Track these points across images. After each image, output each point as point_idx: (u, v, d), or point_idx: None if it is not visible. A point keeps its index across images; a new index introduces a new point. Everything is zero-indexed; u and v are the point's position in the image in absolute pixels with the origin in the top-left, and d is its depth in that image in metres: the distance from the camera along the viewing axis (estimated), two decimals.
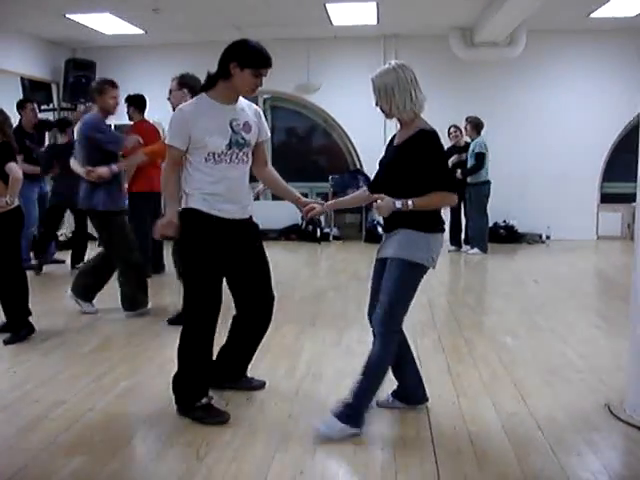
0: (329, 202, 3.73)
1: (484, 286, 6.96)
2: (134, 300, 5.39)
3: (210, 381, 3.41)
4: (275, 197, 11.40)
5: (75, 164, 5.42)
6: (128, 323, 5.19)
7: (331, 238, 10.09)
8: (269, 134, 3.55)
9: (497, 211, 9.65)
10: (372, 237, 9.94)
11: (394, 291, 3.09)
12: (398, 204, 3.03)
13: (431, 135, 3.05)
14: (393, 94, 3.11)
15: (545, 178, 9.91)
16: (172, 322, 4.87)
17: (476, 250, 8.68)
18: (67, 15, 8.29)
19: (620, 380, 3.60)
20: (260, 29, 9.28)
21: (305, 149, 11.49)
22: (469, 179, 8.60)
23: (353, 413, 3.06)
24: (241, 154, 3.29)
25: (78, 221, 7.73)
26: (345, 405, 3.08)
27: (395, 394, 3.41)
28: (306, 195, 10.12)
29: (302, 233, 10.18)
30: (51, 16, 8.33)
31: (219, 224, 3.26)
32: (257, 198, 4.67)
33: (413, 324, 5.14)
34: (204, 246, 3.25)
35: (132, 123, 6.68)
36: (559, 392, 3.65)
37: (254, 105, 3.47)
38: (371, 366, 3.09)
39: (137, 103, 6.62)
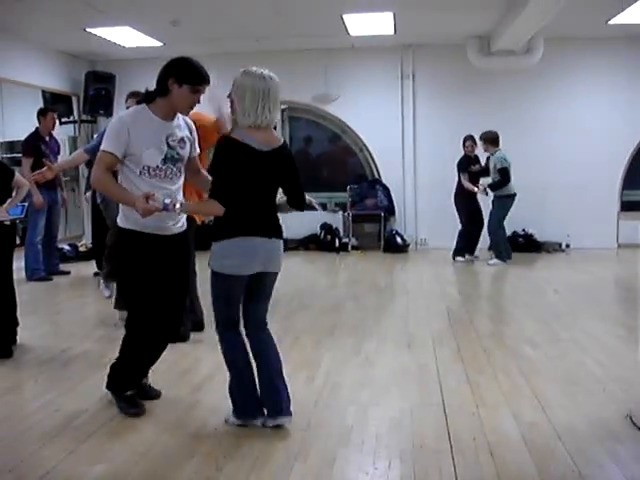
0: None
1: (503, 295, 6.92)
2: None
3: (141, 377, 3.65)
4: None
5: None
6: None
7: (350, 248, 10.07)
8: (198, 150, 3.57)
9: (516, 220, 9.58)
10: (391, 247, 9.94)
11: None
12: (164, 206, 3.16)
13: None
14: (244, 99, 3.07)
15: (564, 186, 9.83)
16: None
17: (496, 260, 8.61)
18: (87, 29, 8.40)
19: None
20: (278, 40, 9.40)
21: (323, 159, 11.50)
22: (495, 192, 8.56)
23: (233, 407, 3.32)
24: (175, 169, 3.39)
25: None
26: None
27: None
28: (325, 205, 10.17)
29: (321, 243, 10.18)
30: (71, 30, 8.44)
31: (153, 241, 3.35)
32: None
33: (432, 334, 5.13)
34: (140, 263, 3.38)
35: None
36: (580, 402, 3.61)
37: (189, 120, 3.52)
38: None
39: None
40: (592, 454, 2.96)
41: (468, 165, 8.75)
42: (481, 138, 8.65)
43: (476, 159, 8.92)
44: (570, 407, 3.55)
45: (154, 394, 3.74)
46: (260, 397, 3.31)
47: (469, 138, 8.84)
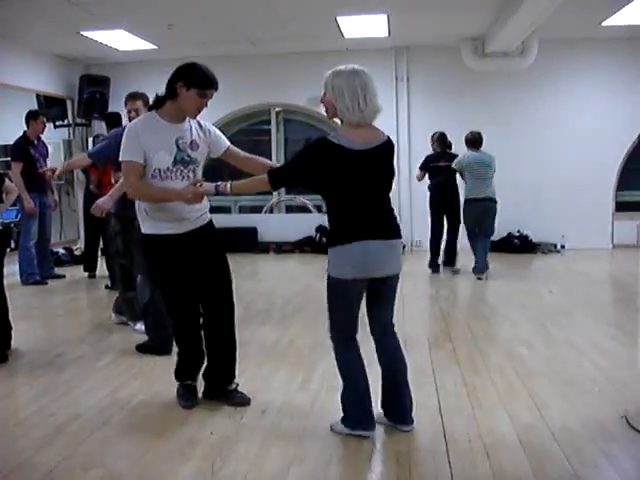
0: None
1: (499, 297, 6.92)
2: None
3: (197, 369, 3.75)
4: (289, 209, 11.47)
5: None
6: (143, 337, 5.20)
7: None
8: (227, 142, 3.67)
9: (511, 221, 9.61)
10: None
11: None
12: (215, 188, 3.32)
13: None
14: (343, 96, 3.06)
15: (559, 187, 9.86)
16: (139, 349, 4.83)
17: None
18: (81, 32, 8.39)
19: (637, 391, 3.57)
20: (272, 43, 9.40)
21: None
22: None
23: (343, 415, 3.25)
24: (186, 171, 3.45)
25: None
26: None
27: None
28: (320, 207, 10.18)
29: (316, 245, 10.18)
30: (66, 34, 8.43)
31: (173, 240, 3.47)
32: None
33: (427, 336, 5.14)
34: (166, 264, 3.53)
35: None
36: (575, 403, 3.62)
37: (204, 123, 3.59)
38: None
39: (111, 121, 6.82)
40: (588, 455, 2.96)
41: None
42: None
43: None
44: (566, 408, 3.55)
45: (239, 400, 3.67)
46: (382, 404, 3.30)
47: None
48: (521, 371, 4.19)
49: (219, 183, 3.28)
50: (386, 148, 3.14)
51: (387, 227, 3.15)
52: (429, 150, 8.34)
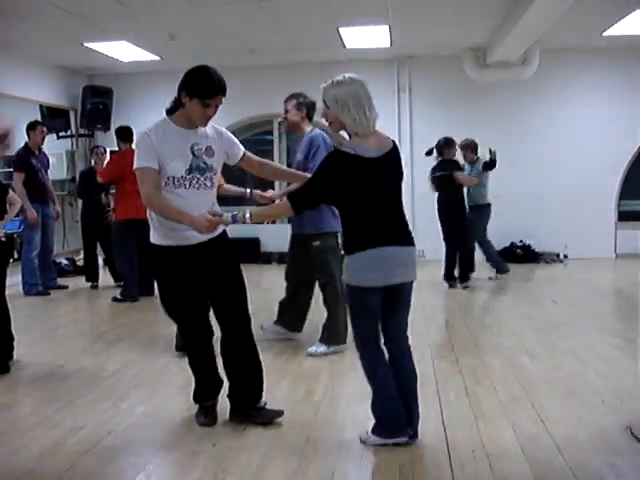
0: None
1: (502, 307, 6.91)
2: None
3: (216, 390, 3.62)
4: (292, 219, 11.44)
5: None
6: (145, 348, 5.20)
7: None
8: (242, 149, 3.53)
9: (514, 231, 9.61)
10: None
11: None
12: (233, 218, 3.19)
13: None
14: (349, 107, 3.04)
15: (561, 197, 9.86)
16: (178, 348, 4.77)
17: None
18: (84, 44, 8.42)
19: None
20: (274, 53, 9.43)
21: None
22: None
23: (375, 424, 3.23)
24: (202, 179, 3.29)
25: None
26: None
27: None
28: None
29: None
30: (69, 45, 8.47)
31: (184, 252, 3.32)
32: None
33: (430, 346, 5.12)
34: (174, 277, 3.39)
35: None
36: (579, 414, 3.60)
37: (220, 128, 3.46)
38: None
39: (122, 135, 7.32)
40: (592, 466, 2.95)
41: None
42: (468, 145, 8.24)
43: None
44: (569, 419, 3.54)
45: (268, 417, 3.51)
46: None
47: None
48: (524, 381, 4.18)
49: (236, 213, 3.15)
50: (395, 152, 3.17)
51: (403, 234, 3.17)
52: (431, 159, 8.29)
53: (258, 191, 4.53)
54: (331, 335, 4.95)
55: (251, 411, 3.53)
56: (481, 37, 8.81)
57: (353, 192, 3.05)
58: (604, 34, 8.66)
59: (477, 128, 9.16)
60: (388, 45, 9.10)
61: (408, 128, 10.20)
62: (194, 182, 3.27)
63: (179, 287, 3.40)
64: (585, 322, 5.94)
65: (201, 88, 3.17)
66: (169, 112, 3.30)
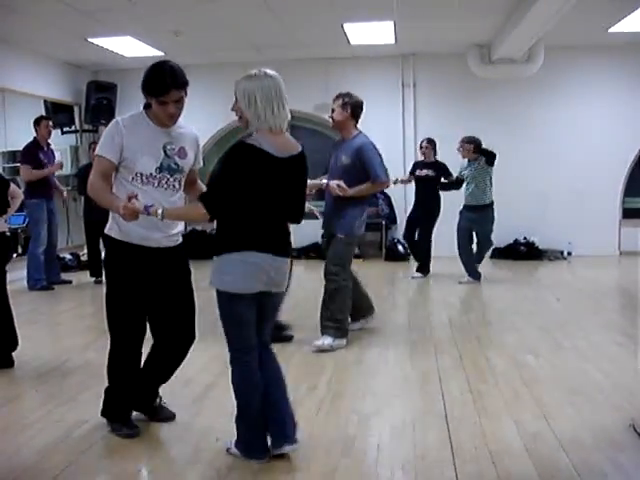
0: None
1: (505, 304, 6.90)
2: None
3: (135, 398, 3.44)
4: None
5: None
6: (148, 342, 5.20)
7: None
8: (202, 164, 3.46)
9: (517, 228, 9.59)
10: (393, 255, 9.94)
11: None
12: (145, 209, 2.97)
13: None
14: (255, 102, 2.86)
15: (565, 194, 9.84)
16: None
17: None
18: (89, 39, 8.43)
19: None
20: (279, 50, 9.42)
21: (325, 167, 11.48)
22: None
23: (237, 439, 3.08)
24: (172, 179, 3.20)
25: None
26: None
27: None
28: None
29: (322, 252, 10.15)
30: (73, 40, 8.47)
31: (139, 252, 3.19)
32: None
33: (434, 343, 5.12)
34: (124, 274, 3.23)
35: None
36: (582, 411, 3.60)
37: (196, 134, 3.38)
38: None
39: None
40: (595, 463, 2.94)
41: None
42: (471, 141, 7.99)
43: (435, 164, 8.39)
44: (573, 416, 3.53)
45: (166, 416, 3.54)
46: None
47: (425, 140, 8.49)
48: (527, 378, 4.18)
49: (150, 205, 2.96)
50: (301, 159, 3.01)
51: (279, 243, 2.99)
52: (438, 156, 8.28)
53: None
54: (336, 327, 5.01)
55: (150, 408, 3.54)
56: (486, 34, 8.78)
57: (249, 187, 2.83)
58: (609, 31, 8.63)
59: (481, 125, 9.13)
60: (393, 41, 9.08)
61: (412, 124, 10.18)
62: (163, 182, 3.18)
63: (128, 286, 3.24)
64: (588, 319, 5.93)
65: (153, 87, 3.08)
66: (146, 107, 3.21)
